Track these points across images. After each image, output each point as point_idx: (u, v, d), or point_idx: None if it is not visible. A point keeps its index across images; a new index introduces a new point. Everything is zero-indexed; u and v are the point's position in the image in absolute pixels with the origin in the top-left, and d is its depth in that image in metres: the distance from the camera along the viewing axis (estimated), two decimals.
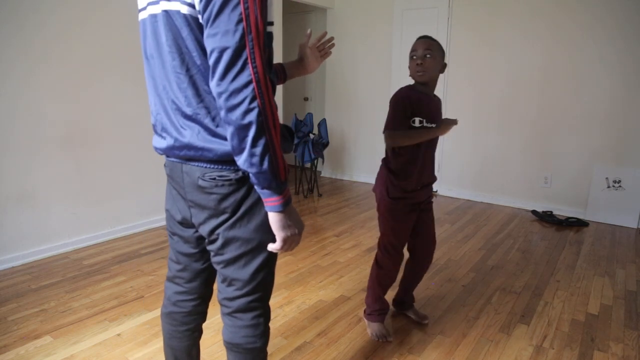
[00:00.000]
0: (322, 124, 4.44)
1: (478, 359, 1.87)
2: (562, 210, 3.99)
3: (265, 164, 0.98)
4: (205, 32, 0.96)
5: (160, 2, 1.03)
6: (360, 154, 5.24)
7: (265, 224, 1.12)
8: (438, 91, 1.97)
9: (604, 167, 3.75)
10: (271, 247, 1.11)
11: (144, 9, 1.11)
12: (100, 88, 3.04)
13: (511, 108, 4.16)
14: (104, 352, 1.87)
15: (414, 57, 1.77)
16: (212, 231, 1.14)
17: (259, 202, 1.11)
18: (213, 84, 0.97)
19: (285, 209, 1.05)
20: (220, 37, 0.93)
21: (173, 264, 1.31)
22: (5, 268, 2.69)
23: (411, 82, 1.87)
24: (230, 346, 1.22)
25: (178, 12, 0.99)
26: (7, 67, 2.58)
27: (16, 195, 2.71)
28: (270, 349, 1.90)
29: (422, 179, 1.88)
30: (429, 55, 1.74)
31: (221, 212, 1.11)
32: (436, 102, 1.89)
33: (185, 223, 1.21)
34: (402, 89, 1.82)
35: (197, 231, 1.22)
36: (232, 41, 0.93)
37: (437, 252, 3.04)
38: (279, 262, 2.83)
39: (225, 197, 1.09)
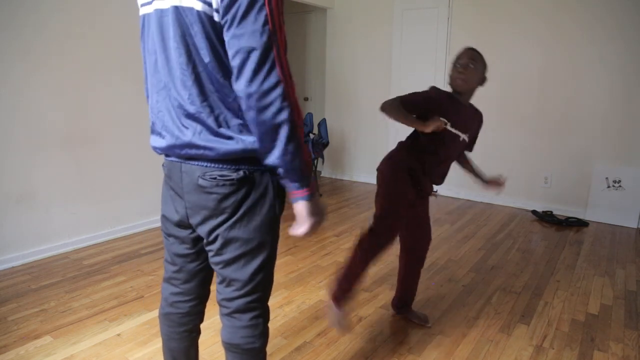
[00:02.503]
0: (322, 124, 4.44)
1: (478, 359, 1.87)
2: (562, 210, 3.98)
3: (297, 160, 1.03)
4: (229, 33, 0.96)
5: None
6: (360, 154, 5.24)
7: (265, 224, 1.14)
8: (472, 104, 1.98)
9: (604, 167, 3.75)
10: (298, 231, 1.14)
11: (149, 3, 1.08)
12: (100, 88, 3.04)
13: (511, 108, 4.16)
14: (104, 352, 1.87)
15: (457, 66, 1.79)
16: (211, 231, 1.12)
17: (259, 202, 1.11)
18: (241, 85, 0.97)
19: (312, 198, 1.09)
20: (247, 38, 0.94)
21: (169, 265, 1.29)
22: (5, 268, 2.69)
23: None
24: (229, 347, 1.21)
25: (191, 8, 0.98)
26: (7, 67, 2.58)
27: (16, 195, 2.71)
28: (270, 349, 1.90)
29: (434, 178, 1.91)
30: (472, 66, 1.76)
31: (221, 212, 1.10)
32: (470, 113, 1.90)
33: (182, 224, 1.19)
34: (439, 89, 1.85)
35: (193, 232, 1.20)
36: (259, 42, 0.94)
37: (437, 252, 3.04)
38: (279, 262, 2.83)
39: (225, 197, 1.08)
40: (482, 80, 1.83)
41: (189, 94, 1.05)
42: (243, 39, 0.94)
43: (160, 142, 1.15)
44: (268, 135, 0.99)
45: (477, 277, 2.67)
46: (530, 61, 3.99)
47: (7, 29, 2.55)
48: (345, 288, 1.88)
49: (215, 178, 1.07)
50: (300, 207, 1.10)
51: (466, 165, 2.09)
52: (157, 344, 1.94)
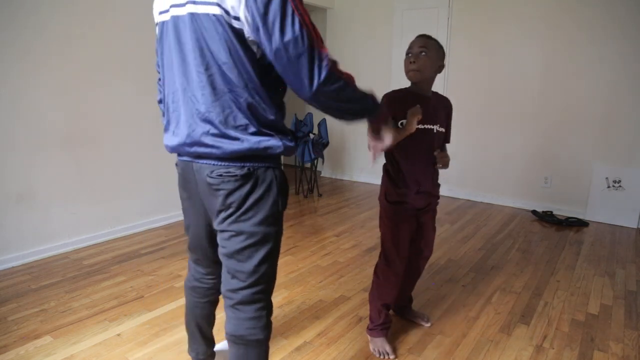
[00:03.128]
0: (322, 124, 4.44)
1: (478, 359, 1.87)
2: (562, 210, 3.98)
3: (350, 98, 1.13)
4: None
5: (187, 5, 1.09)
6: (360, 154, 5.24)
7: (268, 218, 1.19)
8: (437, 91, 1.90)
9: (604, 167, 3.75)
10: (381, 146, 1.35)
11: (166, 11, 1.17)
12: (100, 88, 3.04)
13: (511, 108, 4.16)
14: (104, 352, 1.87)
15: (409, 55, 1.71)
16: (219, 224, 1.21)
17: (263, 197, 1.18)
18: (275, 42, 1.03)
19: (388, 120, 1.32)
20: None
21: (192, 253, 1.45)
22: (5, 268, 2.69)
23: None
24: (234, 339, 1.23)
25: (207, 14, 1.06)
26: (7, 68, 2.58)
27: (16, 196, 2.71)
28: (270, 348, 1.90)
29: (420, 186, 1.80)
30: (423, 54, 1.67)
31: (227, 206, 1.17)
32: (434, 102, 1.80)
33: (199, 218, 1.32)
34: (393, 91, 1.78)
35: (209, 225, 1.31)
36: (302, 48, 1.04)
37: (437, 252, 3.04)
38: (280, 262, 2.83)
39: (231, 192, 1.15)
40: (439, 68, 1.73)
41: (201, 94, 1.12)
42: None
43: (172, 141, 1.22)
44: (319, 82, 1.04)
45: (477, 277, 2.67)
46: (531, 61, 3.99)
47: (7, 30, 2.55)
48: (370, 317, 1.95)
49: (221, 175, 1.15)
50: (385, 128, 1.30)
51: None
52: (157, 344, 1.94)
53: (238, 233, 1.18)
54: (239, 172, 1.13)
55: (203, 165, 1.18)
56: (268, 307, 1.26)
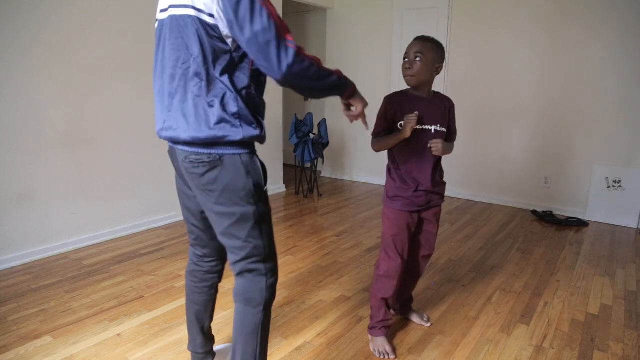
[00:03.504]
0: (322, 124, 4.44)
1: (478, 359, 1.87)
2: (562, 210, 3.98)
3: (316, 76, 1.25)
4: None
5: (169, 9, 1.25)
6: (361, 154, 5.24)
7: (242, 199, 1.29)
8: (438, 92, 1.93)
9: (604, 167, 3.75)
10: (354, 114, 1.49)
11: (165, 10, 1.28)
12: (100, 89, 3.04)
13: (511, 108, 4.16)
14: (104, 352, 1.87)
15: (405, 60, 1.74)
16: (204, 206, 1.34)
17: (232, 180, 1.27)
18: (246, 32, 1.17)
19: (355, 92, 1.47)
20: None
21: (190, 235, 1.55)
22: (5, 268, 2.69)
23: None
24: (237, 297, 1.39)
25: (184, 15, 1.21)
26: (8, 68, 2.58)
27: (16, 195, 2.71)
28: (270, 349, 1.90)
29: (419, 184, 1.82)
30: (418, 59, 1.70)
31: (204, 190, 1.29)
32: (434, 103, 1.82)
33: (189, 201, 1.46)
34: (392, 94, 1.82)
35: (199, 206, 1.42)
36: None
37: (437, 252, 3.04)
38: (280, 262, 2.83)
39: (201, 176, 1.27)
40: (436, 70, 1.75)
41: (177, 85, 1.25)
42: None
43: (157, 127, 1.36)
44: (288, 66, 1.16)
45: (477, 277, 2.67)
46: (531, 61, 3.99)
47: (8, 30, 2.55)
48: (371, 315, 1.96)
49: (192, 161, 1.27)
50: (353, 99, 1.45)
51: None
52: (157, 344, 1.94)
53: (219, 214, 1.30)
54: (206, 158, 1.25)
55: (179, 151, 1.31)
56: (267, 274, 1.37)
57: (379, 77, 4.88)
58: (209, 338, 1.68)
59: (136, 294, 2.39)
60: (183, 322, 2.11)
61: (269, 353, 1.86)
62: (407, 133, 1.71)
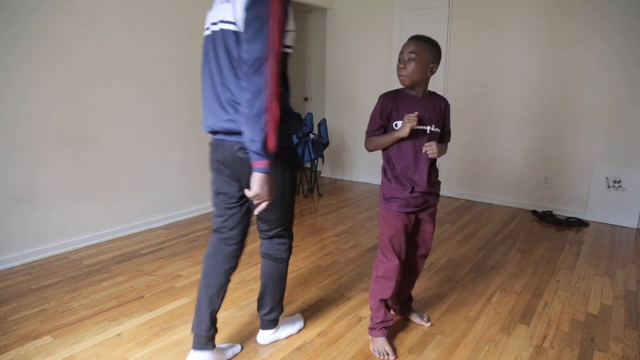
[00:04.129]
0: (322, 124, 4.44)
1: (478, 359, 1.87)
2: (562, 210, 3.99)
3: (259, 139, 1.44)
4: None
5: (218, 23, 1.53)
6: (361, 154, 5.24)
7: (282, 183, 1.63)
8: (437, 91, 1.91)
9: (604, 167, 3.75)
10: (247, 192, 1.52)
11: (212, 24, 1.57)
12: (100, 89, 3.04)
13: (511, 108, 4.16)
14: (104, 352, 1.87)
15: (399, 60, 1.74)
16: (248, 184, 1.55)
17: (278, 168, 1.55)
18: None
19: (268, 171, 1.48)
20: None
21: (217, 219, 1.73)
22: (5, 268, 2.69)
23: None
24: (266, 256, 1.83)
25: (228, 30, 1.50)
26: (8, 68, 2.58)
27: (16, 196, 2.71)
28: (270, 348, 1.91)
29: (415, 185, 1.81)
30: (412, 59, 1.69)
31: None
32: (429, 102, 1.80)
33: (229, 186, 1.66)
34: (387, 93, 1.81)
35: (240, 190, 1.63)
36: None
37: (437, 252, 3.04)
38: None
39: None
40: (431, 70, 1.74)
41: (232, 86, 1.51)
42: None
43: (206, 123, 1.62)
44: (243, 114, 1.44)
45: (477, 277, 2.67)
46: (531, 61, 3.99)
47: (8, 30, 2.55)
48: (371, 316, 1.95)
49: (248, 152, 1.48)
50: (254, 177, 1.48)
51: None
52: (157, 344, 1.94)
53: None
54: None
55: (233, 142, 1.56)
56: (289, 238, 1.84)
57: (379, 77, 4.88)
58: (213, 325, 1.77)
59: (136, 294, 2.39)
60: (183, 322, 2.11)
61: (268, 353, 1.87)
62: (406, 132, 1.70)
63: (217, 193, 1.70)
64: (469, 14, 4.25)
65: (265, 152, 1.44)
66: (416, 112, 1.71)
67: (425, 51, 1.70)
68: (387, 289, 1.88)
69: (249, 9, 1.42)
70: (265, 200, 1.51)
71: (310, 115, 4.47)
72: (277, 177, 1.56)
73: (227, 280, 1.77)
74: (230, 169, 1.61)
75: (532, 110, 4.06)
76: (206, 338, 1.74)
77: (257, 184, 1.47)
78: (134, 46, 3.19)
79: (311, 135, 4.44)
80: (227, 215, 1.70)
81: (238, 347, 1.90)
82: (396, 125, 1.76)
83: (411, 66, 1.70)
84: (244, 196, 1.65)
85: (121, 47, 3.12)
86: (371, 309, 1.95)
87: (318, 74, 5.62)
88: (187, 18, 3.54)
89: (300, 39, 5.73)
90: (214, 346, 1.77)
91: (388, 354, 1.86)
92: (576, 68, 3.79)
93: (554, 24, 3.83)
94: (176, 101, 3.56)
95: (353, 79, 5.11)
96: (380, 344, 1.89)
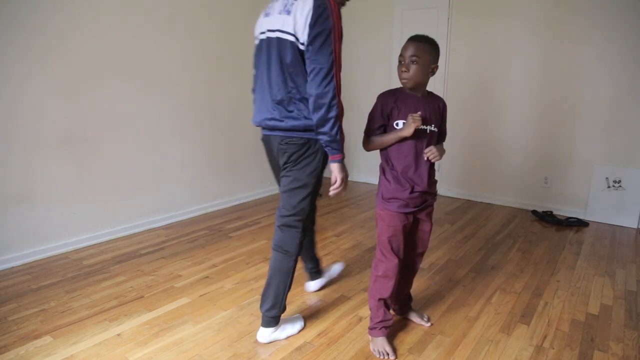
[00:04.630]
0: None
1: (478, 359, 1.87)
2: (562, 210, 3.98)
3: (336, 137, 1.76)
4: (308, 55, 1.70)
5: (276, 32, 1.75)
6: (361, 154, 5.23)
7: (311, 173, 1.83)
8: (437, 91, 1.93)
9: (604, 167, 3.75)
10: (333, 189, 1.84)
11: (263, 32, 1.82)
12: (100, 89, 3.04)
13: (511, 108, 4.16)
14: (104, 352, 1.87)
15: (400, 62, 1.73)
16: (283, 169, 1.86)
17: (310, 158, 1.81)
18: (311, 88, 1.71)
19: (342, 162, 1.81)
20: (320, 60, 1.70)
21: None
22: (5, 268, 2.69)
23: None
24: (276, 247, 1.91)
25: (285, 39, 1.72)
26: (8, 68, 2.58)
27: (16, 195, 2.71)
28: (270, 348, 1.91)
29: (415, 185, 1.81)
30: (414, 62, 1.69)
31: (288, 160, 1.83)
32: (428, 103, 1.81)
33: (277, 168, 1.97)
34: (386, 92, 1.81)
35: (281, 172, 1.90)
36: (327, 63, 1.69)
37: (437, 252, 3.04)
38: None
39: (293, 153, 1.80)
40: (432, 70, 1.74)
41: (277, 88, 1.76)
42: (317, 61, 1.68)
43: (257, 118, 1.89)
44: (322, 119, 1.72)
45: (477, 277, 2.67)
46: (530, 61, 3.99)
47: (8, 30, 2.55)
48: (370, 316, 1.95)
49: (287, 143, 1.79)
50: (334, 166, 1.81)
51: None
52: (157, 344, 1.94)
53: (289, 177, 1.84)
54: (299, 141, 1.78)
55: (277, 136, 1.83)
56: (302, 232, 1.91)
57: (379, 77, 4.88)
58: (316, 260, 2.38)
59: (136, 294, 2.39)
60: (183, 322, 2.11)
61: (269, 353, 1.88)
62: (410, 132, 1.70)
63: (274, 172, 2.05)
64: (469, 14, 4.25)
65: (340, 147, 1.76)
66: (419, 112, 1.72)
67: (426, 52, 1.70)
68: (387, 288, 1.88)
69: (313, 25, 1.63)
70: (343, 183, 1.81)
71: None
72: (318, 166, 1.83)
73: (311, 235, 2.28)
74: (277, 157, 1.88)
75: (532, 110, 4.06)
76: (315, 270, 2.33)
77: (337, 172, 1.79)
78: (134, 46, 3.19)
79: None
80: (303, 202, 1.93)
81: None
82: (397, 124, 1.76)
83: (413, 69, 1.70)
84: (316, 189, 1.93)
85: (121, 47, 3.12)
86: (370, 309, 1.95)
87: None
88: (188, 18, 3.54)
89: None
90: (321, 273, 2.40)
91: (388, 354, 1.86)
92: (576, 68, 3.79)
93: (554, 23, 3.83)
94: (176, 101, 3.56)
95: (353, 79, 5.10)
96: (380, 343, 1.89)
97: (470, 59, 4.31)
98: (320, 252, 3.03)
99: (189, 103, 3.65)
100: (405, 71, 1.72)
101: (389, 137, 1.78)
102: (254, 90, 1.93)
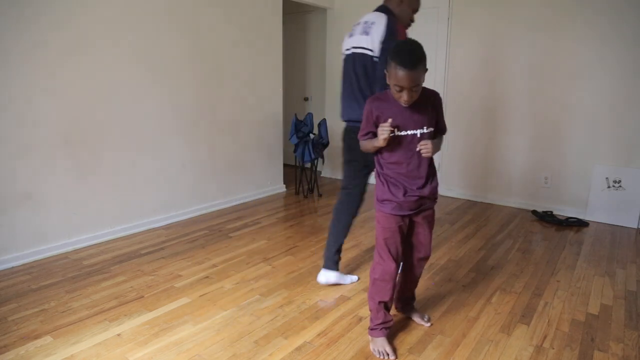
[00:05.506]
0: (322, 124, 4.44)
1: (478, 359, 1.87)
2: (562, 210, 3.98)
3: None
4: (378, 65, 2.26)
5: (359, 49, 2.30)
6: None
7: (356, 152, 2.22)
8: (438, 91, 1.90)
9: (604, 167, 3.75)
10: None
11: (349, 49, 2.37)
12: (100, 89, 3.04)
13: (511, 108, 4.16)
14: (104, 352, 1.87)
15: (402, 91, 1.64)
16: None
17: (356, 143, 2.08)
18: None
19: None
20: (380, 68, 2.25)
21: (347, 179, 2.50)
22: (5, 268, 2.69)
23: None
24: (339, 204, 2.52)
25: (365, 54, 2.28)
26: (9, 69, 2.58)
27: (16, 196, 2.71)
28: (270, 349, 1.91)
29: (408, 189, 1.80)
30: (415, 90, 1.64)
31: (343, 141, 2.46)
32: (420, 103, 1.74)
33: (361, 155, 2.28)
34: (375, 97, 1.80)
35: (364, 159, 2.31)
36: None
37: (437, 252, 3.04)
38: (279, 262, 2.84)
39: (349, 138, 2.37)
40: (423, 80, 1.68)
41: (358, 89, 2.31)
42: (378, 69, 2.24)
43: (345, 116, 2.41)
44: None
45: (477, 277, 2.67)
46: (530, 61, 3.99)
47: (9, 30, 2.55)
48: (370, 317, 1.96)
49: (349, 131, 2.37)
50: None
51: None
52: (157, 344, 1.94)
53: (344, 157, 2.48)
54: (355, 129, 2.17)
55: (349, 126, 2.39)
56: (357, 194, 2.48)
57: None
58: (339, 253, 2.52)
59: (136, 294, 2.39)
60: (183, 322, 2.11)
61: (269, 353, 1.87)
62: (381, 143, 1.71)
63: (349, 161, 2.42)
64: (469, 14, 4.25)
65: None
66: (389, 121, 1.68)
67: (422, 73, 1.64)
68: (385, 292, 1.88)
69: (383, 42, 2.19)
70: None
71: (310, 115, 4.47)
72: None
73: (351, 222, 2.46)
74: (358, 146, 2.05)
75: (532, 110, 4.06)
76: (332, 261, 2.46)
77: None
78: (134, 46, 3.19)
79: (311, 136, 4.44)
80: (358, 176, 2.41)
81: (355, 277, 2.58)
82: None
83: (413, 94, 1.66)
84: (367, 165, 2.33)
85: (121, 47, 3.12)
86: (370, 311, 1.95)
87: (318, 74, 5.62)
88: (190, 20, 3.54)
89: (300, 39, 5.74)
90: (338, 269, 2.49)
91: (388, 354, 1.86)
92: (576, 68, 3.79)
93: (553, 24, 3.83)
94: (177, 101, 3.56)
95: None
96: (380, 344, 1.89)
97: (470, 59, 4.31)
98: (320, 252, 3.03)
99: (189, 103, 3.65)
100: (408, 100, 1.66)
101: (369, 146, 1.81)
102: (343, 93, 2.41)
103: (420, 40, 1.68)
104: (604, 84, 3.69)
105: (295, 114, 4.63)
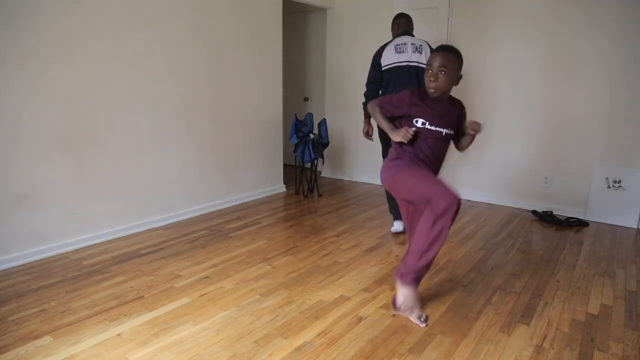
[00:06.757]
0: (322, 124, 4.44)
1: (478, 359, 1.87)
2: (562, 210, 3.98)
3: None
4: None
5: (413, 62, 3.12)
6: (360, 154, 5.24)
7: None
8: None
9: (604, 167, 3.75)
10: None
11: (400, 62, 3.21)
12: (100, 89, 3.04)
13: (511, 108, 4.16)
14: (104, 352, 1.87)
15: (429, 72, 1.83)
16: None
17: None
18: None
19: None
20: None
21: None
22: (5, 268, 2.69)
23: None
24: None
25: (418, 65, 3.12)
26: (9, 69, 2.58)
27: (17, 196, 2.71)
28: (270, 349, 1.90)
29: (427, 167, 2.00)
30: (442, 72, 1.79)
31: None
32: (449, 107, 1.96)
33: None
34: (414, 90, 1.92)
35: None
36: None
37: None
38: (279, 262, 2.84)
39: None
40: (456, 80, 1.87)
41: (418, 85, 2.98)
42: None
43: None
44: None
45: (477, 277, 2.67)
46: (530, 61, 3.99)
47: (9, 31, 2.55)
48: (412, 266, 1.96)
49: None
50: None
51: (459, 147, 2.18)
52: (157, 344, 1.94)
53: None
54: None
55: None
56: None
57: None
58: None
59: (136, 294, 2.39)
60: (183, 322, 2.11)
61: (269, 353, 1.87)
62: (395, 139, 1.89)
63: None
64: (469, 14, 4.25)
65: None
66: (413, 130, 1.85)
67: (453, 62, 1.84)
68: (447, 224, 1.87)
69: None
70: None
71: (310, 115, 4.47)
72: None
73: None
74: None
75: (532, 110, 4.06)
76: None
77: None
78: (134, 47, 3.19)
79: (311, 136, 4.44)
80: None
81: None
82: (416, 121, 1.87)
83: (441, 79, 1.82)
84: None
85: (121, 48, 3.12)
86: (423, 266, 1.91)
87: (318, 74, 5.62)
88: (189, 22, 3.54)
89: (300, 39, 5.73)
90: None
91: (420, 315, 1.93)
92: (576, 68, 3.79)
93: (553, 24, 3.83)
94: (177, 101, 3.56)
95: (353, 79, 5.10)
96: (412, 298, 1.91)
97: (470, 59, 4.30)
98: (320, 252, 3.03)
99: (189, 103, 3.65)
100: (434, 81, 1.81)
101: (384, 124, 1.96)
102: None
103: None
104: (604, 84, 3.69)
105: (295, 114, 4.63)
